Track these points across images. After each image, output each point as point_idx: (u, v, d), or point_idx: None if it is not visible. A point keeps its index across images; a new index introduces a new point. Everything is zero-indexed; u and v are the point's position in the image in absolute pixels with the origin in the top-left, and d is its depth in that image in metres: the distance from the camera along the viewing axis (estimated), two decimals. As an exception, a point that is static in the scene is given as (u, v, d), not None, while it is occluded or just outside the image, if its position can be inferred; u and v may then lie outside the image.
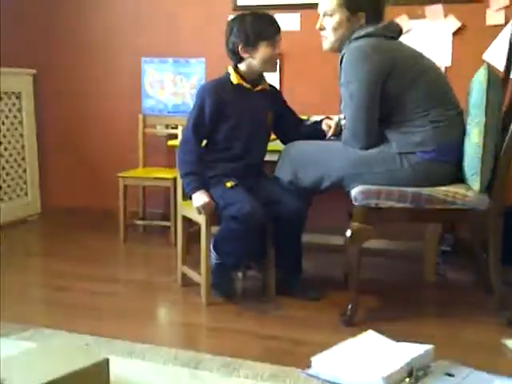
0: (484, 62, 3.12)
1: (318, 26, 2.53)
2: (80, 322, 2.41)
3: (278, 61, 2.73)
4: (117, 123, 4.14)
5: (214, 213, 2.55)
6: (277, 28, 2.61)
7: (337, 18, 2.45)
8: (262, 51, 2.57)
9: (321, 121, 2.77)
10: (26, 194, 4.22)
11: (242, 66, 2.63)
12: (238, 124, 2.63)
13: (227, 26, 2.62)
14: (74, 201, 4.28)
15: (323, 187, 2.49)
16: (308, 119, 3.03)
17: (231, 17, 2.74)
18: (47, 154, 4.37)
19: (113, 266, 3.26)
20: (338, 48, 2.48)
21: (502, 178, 2.27)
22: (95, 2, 4.09)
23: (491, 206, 2.27)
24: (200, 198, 2.52)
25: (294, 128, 2.81)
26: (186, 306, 2.67)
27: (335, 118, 2.70)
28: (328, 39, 2.51)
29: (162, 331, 2.50)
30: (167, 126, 3.90)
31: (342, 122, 2.49)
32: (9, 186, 4.05)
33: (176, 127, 3.71)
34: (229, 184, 2.57)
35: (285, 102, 2.85)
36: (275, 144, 2.88)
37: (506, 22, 3.17)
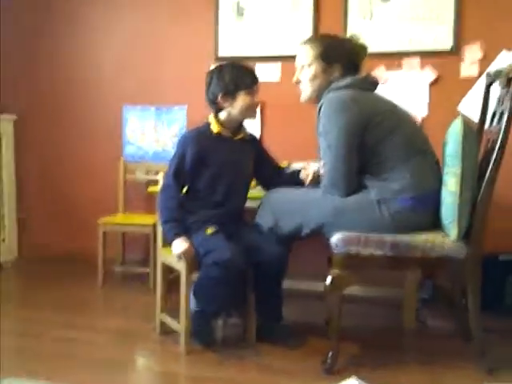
0: (459, 113, 3.22)
1: (294, 80, 2.60)
2: (56, 371, 2.36)
3: (257, 108, 2.78)
4: (97, 169, 4.14)
5: (194, 260, 2.54)
6: (255, 78, 2.66)
7: (313, 69, 2.52)
8: (241, 100, 2.61)
9: (300, 170, 2.81)
10: (4, 239, 4.16)
11: (223, 115, 2.67)
12: (219, 172, 2.65)
13: (207, 76, 2.67)
14: (52, 246, 4.23)
15: (303, 234, 2.50)
16: (288, 166, 3.08)
17: (212, 66, 2.80)
18: (26, 198, 4.34)
19: (90, 313, 3.20)
20: (315, 99, 2.54)
21: (479, 227, 2.30)
22: (79, 48, 4.15)
23: (469, 254, 2.29)
24: (180, 244, 2.52)
25: (274, 175, 2.85)
26: (164, 355, 2.63)
27: (313, 166, 2.75)
28: (305, 91, 2.58)
29: (139, 381, 2.45)
30: (148, 172, 3.92)
31: (321, 170, 2.52)
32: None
33: (157, 173, 3.72)
34: (209, 231, 2.58)
35: (264, 150, 2.89)
36: (256, 191, 2.90)
37: (480, 74, 3.28)
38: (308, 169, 2.76)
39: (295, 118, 3.60)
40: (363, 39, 2.61)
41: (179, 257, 2.53)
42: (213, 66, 2.80)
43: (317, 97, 2.53)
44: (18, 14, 4.22)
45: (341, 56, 2.52)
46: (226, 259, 2.42)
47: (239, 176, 2.72)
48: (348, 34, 2.58)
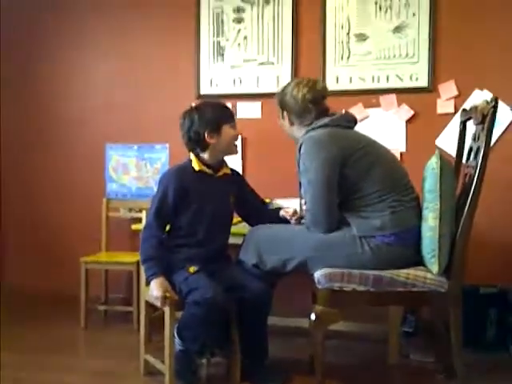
0: (436, 148, 3.29)
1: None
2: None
3: (238, 143, 2.80)
4: (80, 206, 4.14)
5: (175, 300, 2.52)
6: (231, 111, 2.77)
7: (286, 121, 2.65)
8: (226, 133, 2.66)
9: (279, 210, 2.83)
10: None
11: (205, 154, 2.69)
12: (201, 210, 2.66)
13: (185, 118, 2.68)
14: (33, 283, 4.17)
15: (287, 270, 2.51)
16: (270, 202, 3.10)
17: (193, 105, 2.84)
18: (7, 235, 4.31)
19: (73, 354, 3.16)
20: (296, 140, 2.60)
21: (460, 260, 2.34)
22: (61, 87, 4.19)
23: (450, 288, 2.32)
24: (158, 286, 2.49)
25: (257, 210, 2.87)
26: (149, 397, 2.60)
27: (293, 204, 2.78)
28: (287, 133, 2.68)
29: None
30: (131, 210, 3.92)
31: (304, 207, 2.55)
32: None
33: (140, 211, 3.73)
34: (191, 269, 2.58)
35: (247, 185, 2.91)
36: (239, 227, 2.92)
37: (456, 111, 3.36)
38: (288, 209, 2.78)
39: (276, 153, 3.65)
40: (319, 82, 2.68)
41: (157, 300, 2.52)
42: (193, 104, 2.83)
43: (296, 139, 2.59)
44: (3, 54, 4.26)
45: (305, 107, 2.58)
46: (208, 298, 2.41)
47: (221, 213, 2.73)
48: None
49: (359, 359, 3.05)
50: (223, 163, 2.78)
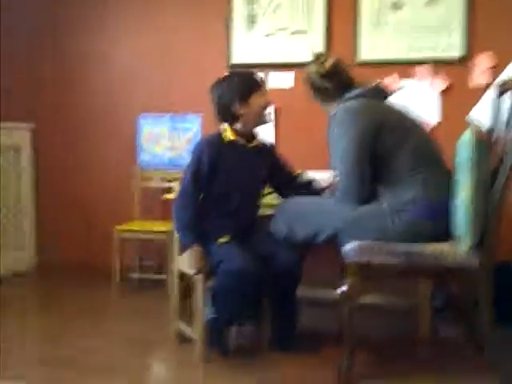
0: (469, 123, 3.22)
1: None
2: (73, 379, 2.41)
3: (271, 111, 2.79)
4: (113, 176, 4.21)
5: (208, 269, 2.57)
6: (260, 79, 2.73)
7: (316, 100, 2.64)
8: (257, 102, 2.65)
9: (312, 182, 2.85)
10: (23, 247, 4.23)
11: (237, 125, 2.69)
12: (233, 180, 2.67)
13: (213, 91, 2.69)
14: (69, 254, 4.29)
15: (317, 242, 2.52)
16: (303, 173, 3.09)
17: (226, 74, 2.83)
18: (44, 207, 4.41)
19: (107, 320, 3.26)
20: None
21: (492, 237, 2.31)
22: (93, 59, 4.23)
23: (481, 264, 2.30)
24: (194, 257, 2.55)
25: (288, 183, 2.87)
26: (180, 364, 2.66)
27: (326, 176, 2.77)
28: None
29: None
30: (163, 180, 3.97)
31: (336, 178, 2.55)
32: (5, 240, 4.05)
33: (172, 181, 3.76)
34: (222, 240, 2.61)
35: (279, 157, 2.91)
36: (270, 198, 2.93)
37: (492, 82, 3.28)
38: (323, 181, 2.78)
39: (310, 123, 3.63)
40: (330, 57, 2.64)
41: (191, 268, 2.57)
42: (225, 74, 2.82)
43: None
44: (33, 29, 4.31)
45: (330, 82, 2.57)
46: (238, 269, 2.45)
47: (252, 184, 2.75)
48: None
49: (388, 333, 3.07)
50: (255, 135, 2.77)
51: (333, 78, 2.57)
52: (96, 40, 4.20)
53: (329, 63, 2.60)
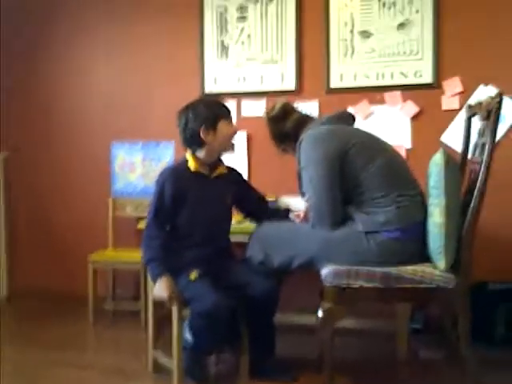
0: (441, 145, 3.29)
1: None
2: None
3: (234, 140, 2.74)
4: (86, 205, 4.16)
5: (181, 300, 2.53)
6: (227, 107, 2.70)
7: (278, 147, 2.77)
8: (223, 129, 2.62)
9: (287, 210, 2.84)
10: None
11: (201, 153, 2.64)
12: (197, 212, 2.63)
13: (180, 117, 2.65)
14: (42, 282, 4.20)
15: (294, 267, 2.51)
16: (276, 200, 3.10)
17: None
18: (17, 235, 4.34)
19: (82, 351, 3.19)
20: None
21: (467, 256, 2.33)
22: (68, 85, 4.21)
23: (458, 284, 2.32)
24: (163, 287, 2.49)
25: (257, 207, 2.85)
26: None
27: (300, 203, 2.78)
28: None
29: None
30: (137, 208, 3.93)
31: (306, 204, 2.56)
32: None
33: (146, 209, 3.72)
34: (192, 276, 2.55)
35: (246, 182, 2.89)
36: (244, 226, 2.92)
37: (461, 107, 3.37)
38: (297, 212, 2.77)
39: (282, 151, 3.65)
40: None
41: (163, 300, 2.52)
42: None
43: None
44: (5, 55, 4.28)
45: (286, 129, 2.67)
46: (210, 308, 2.39)
47: (219, 213, 2.71)
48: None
49: (368, 356, 3.06)
50: (219, 162, 2.74)
51: (286, 119, 2.65)
52: (68, 66, 4.19)
53: (277, 107, 2.71)
